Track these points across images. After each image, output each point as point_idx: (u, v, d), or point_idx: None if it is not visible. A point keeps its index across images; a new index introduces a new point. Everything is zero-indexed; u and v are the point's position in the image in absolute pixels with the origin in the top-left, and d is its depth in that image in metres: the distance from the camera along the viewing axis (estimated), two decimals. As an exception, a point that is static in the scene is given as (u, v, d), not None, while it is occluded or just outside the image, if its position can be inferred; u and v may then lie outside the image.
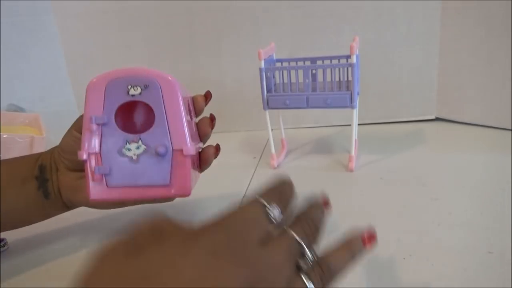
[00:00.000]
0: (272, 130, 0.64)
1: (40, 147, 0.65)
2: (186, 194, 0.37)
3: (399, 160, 0.63)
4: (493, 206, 0.48)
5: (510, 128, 0.69)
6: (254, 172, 0.65)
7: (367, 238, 0.29)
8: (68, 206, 0.44)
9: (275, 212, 0.26)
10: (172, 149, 0.37)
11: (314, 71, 0.61)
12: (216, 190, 0.56)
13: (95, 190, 0.37)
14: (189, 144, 0.37)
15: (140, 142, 0.37)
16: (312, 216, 0.29)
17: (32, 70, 0.82)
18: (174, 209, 0.48)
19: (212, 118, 0.42)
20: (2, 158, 0.60)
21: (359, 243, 0.29)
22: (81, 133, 0.38)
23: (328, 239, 0.45)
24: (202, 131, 0.42)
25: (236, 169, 0.66)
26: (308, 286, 0.25)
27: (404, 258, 0.40)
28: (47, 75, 0.84)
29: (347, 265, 0.28)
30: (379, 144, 0.71)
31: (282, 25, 0.77)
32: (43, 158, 0.43)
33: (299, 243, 0.26)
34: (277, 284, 0.23)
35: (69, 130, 0.41)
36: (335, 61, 0.62)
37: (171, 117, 0.37)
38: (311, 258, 0.26)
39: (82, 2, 0.80)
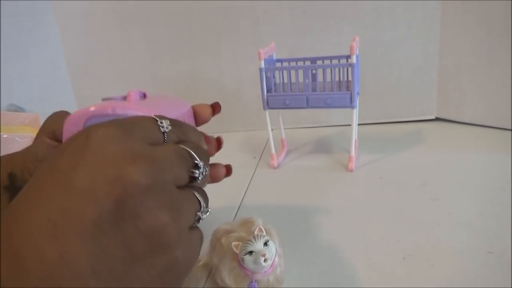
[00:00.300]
0: (272, 130, 0.64)
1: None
2: None
3: (399, 160, 0.63)
4: (493, 206, 0.48)
5: (510, 128, 0.69)
6: (254, 172, 0.65)
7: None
8: None
9: (164, 123, 0.26)
10: None
11: (314, 71, 0.61)
12: (216, 190, 0.56)
13: None
14: None
15: None
16: (197, 140, 0.30)
17: (32, 70, 0.82)
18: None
19: (219, 142, 0.37)
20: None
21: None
22: (52, 139, 0.35)
23: (327, 240, 0.45)
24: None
25: (236, 169, 0.66)
26: (199, 199, 0.26)
27: (404, 258, 0.40)
28: (47, 75, 0.84)
29: None
30: (379, 144, 0.71)
31: (282, 25, 0.77)
32: (13, 166, 0.38)
33: (189, 152, 0.26)
34: (167, 176, 0.23)
35: (39, 137, 0.37)
36: (335, 61, 0.62)
37: None
38: (203, 170, 0.27)
39: (82, 2, 0.80)
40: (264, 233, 0.36)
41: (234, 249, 0.36)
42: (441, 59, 0.74)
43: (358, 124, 0.69)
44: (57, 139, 0.35)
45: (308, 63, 0.63)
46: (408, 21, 0.73)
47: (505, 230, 0.43)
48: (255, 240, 0.35)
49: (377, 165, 0.62)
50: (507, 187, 0.51)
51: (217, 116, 0.44)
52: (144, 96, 0.33)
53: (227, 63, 0.81)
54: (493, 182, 0.53)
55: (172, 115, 0.30)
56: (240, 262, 0.35)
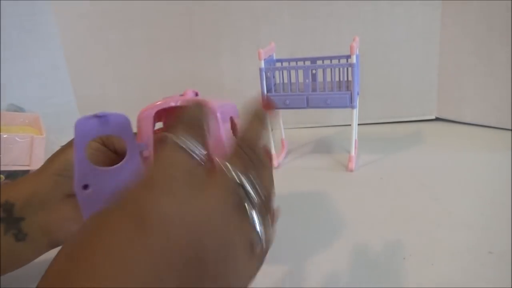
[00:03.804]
0: (272, 130, 0.64)
1: (40, 147, 0.65)
2: None
3: (399, 160, 0.63)
4: (493, 206, 0.48)
5: (510, 128, 0.69)
6: (254, 172, 0.65)
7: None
8: (54, 244, 0.37)
9: (192, 148, 0.23)
10: None
11: (314, 71, 0.61)
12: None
13: None
14: None
15: None
16: (250, 138, 0.27)
17: (32, 70, 0.82)
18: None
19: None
20: (2, 158, 0.60)
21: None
22: (62, 174, 0.35)
23: (327, 239, 0.45)
24: None
25: (236, 169, 0.66)
26: (258, 229, 0.23)
27: (404, 258, 0.40)
28: (47, 75, 0.84)
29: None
30: (379, 144, 0.71)
31: (282, 25, 0.77)
32: (11, 195, 0.36)
33: (237, 182, 0.23)
34: (220, 230, 0.21)
35: (46, 172, 0.36)
36: (335, 61, 0.62)
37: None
38: (255, 197, 0.24)
39: (82, 2, 0.80)
40: None
41: None
42: (441, 59, 0.74)
43: (358, 124, 0.69)
44: (68, 173, 0.34)
45: (308, 63, 0.63)
46: (408, 21, 0.73)
47: (505, 230, 0.43)
48: None
49: (377, 165, 0.62)
50: (507, 187, 0.51)
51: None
52: (196, 94, 0.37)
53: (227, 63, 0.81)
54: (493, 182, 0.53)
55: (227, 106, 0.35)
56: None
